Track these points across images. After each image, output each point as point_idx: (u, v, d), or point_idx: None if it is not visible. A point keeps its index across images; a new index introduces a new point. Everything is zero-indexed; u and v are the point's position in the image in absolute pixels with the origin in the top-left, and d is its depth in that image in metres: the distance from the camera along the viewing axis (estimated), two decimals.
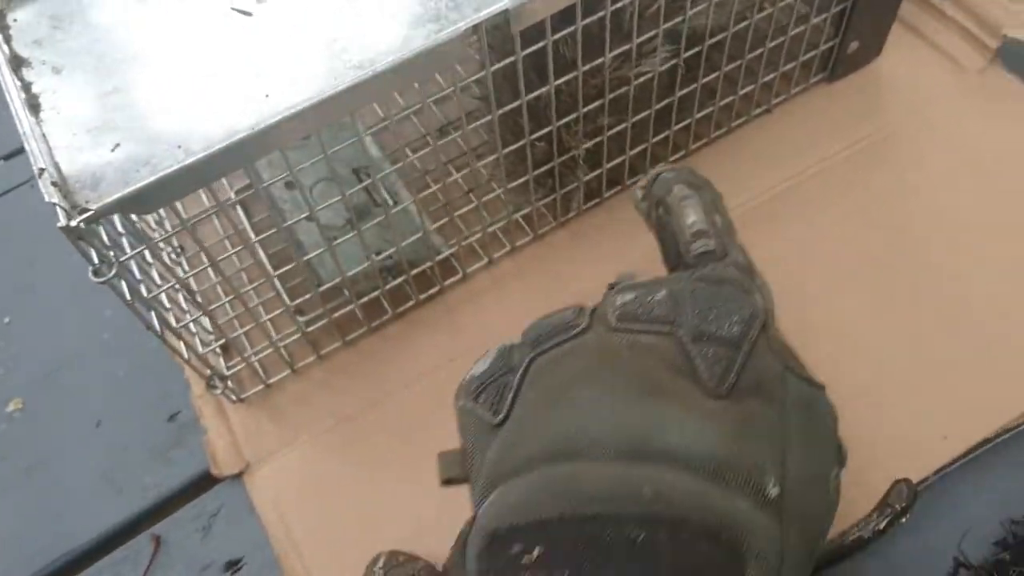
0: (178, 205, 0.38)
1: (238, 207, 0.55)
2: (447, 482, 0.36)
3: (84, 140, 0.35)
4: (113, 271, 0.34)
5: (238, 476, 0.47)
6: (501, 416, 0.33)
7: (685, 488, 0.27)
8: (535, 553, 0.26)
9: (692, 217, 0.38)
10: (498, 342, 0.49)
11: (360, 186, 0.50)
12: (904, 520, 0.37)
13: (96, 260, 0.35)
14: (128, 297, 0.37)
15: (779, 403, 0.31)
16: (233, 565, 0.44)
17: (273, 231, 0.48)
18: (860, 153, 0.54)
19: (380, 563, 0.40)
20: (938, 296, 0.47)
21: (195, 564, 0.45)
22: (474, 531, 0.29)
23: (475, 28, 0.36)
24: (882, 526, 0.37)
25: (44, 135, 0.36)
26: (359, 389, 0.49)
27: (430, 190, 0.52)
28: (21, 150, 0.53)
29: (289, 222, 0.47)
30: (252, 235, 0.52)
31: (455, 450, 0.36)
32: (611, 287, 0.36)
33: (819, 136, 0.55)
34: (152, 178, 0.33)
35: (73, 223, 0.32)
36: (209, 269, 0.52)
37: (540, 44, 0.39)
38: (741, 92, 0.52)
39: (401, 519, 0.44)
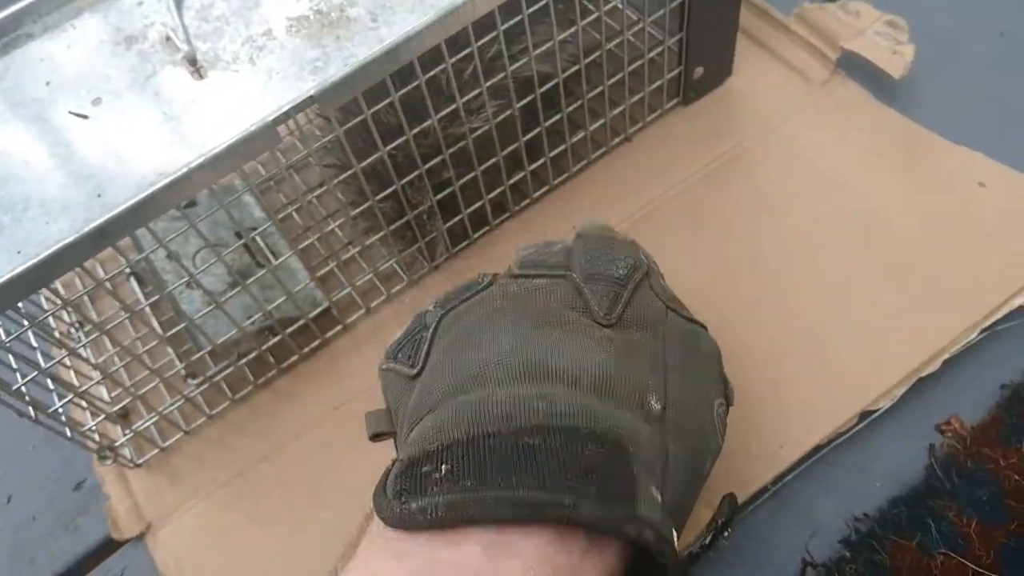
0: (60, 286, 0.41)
1: (132, 279, 0.58)
2: (375, 437, 0.40)
3: None
4: None
5: (140, 538, 0.49)
6: (418, 368, 0.37)
7: (575, 402, 0.31)
8: (443, 470, 0.30)
9: (586, 221, 0.43)
10: (378, 391, 0.52)
11: (237, 245, 0.53)
12: (727, 534, 0.40)
13: None
14: None
15: (660, 335, 0.36)
16: None
17: (154, 300, 0.51)
18: (716, 171, 0.57)
19: None
20: (777, 309, 0.50)
21: None
22: (395, 465, 0.32)
23: (286, 114, 0.39)
24: (707, 540, 0.40)
25: None
26: (250, 444, 0.51)
27: (308, 241, 0.55)
28: None
29: (168, 290, 0.50)
30: (144, 305, 0.55)
31: (380, 409, 0.40)
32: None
33: (678, 158, 0.57)
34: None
35: None
36: (107, 341, 0.55)
37: (359, 119, 0.42)
38: (591, 127, 0.54)
39: (292, 567, 0.47)
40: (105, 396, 0.53)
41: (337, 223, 0.57)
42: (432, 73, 0.42)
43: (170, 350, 0.54)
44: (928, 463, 0.45)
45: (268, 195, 0.60)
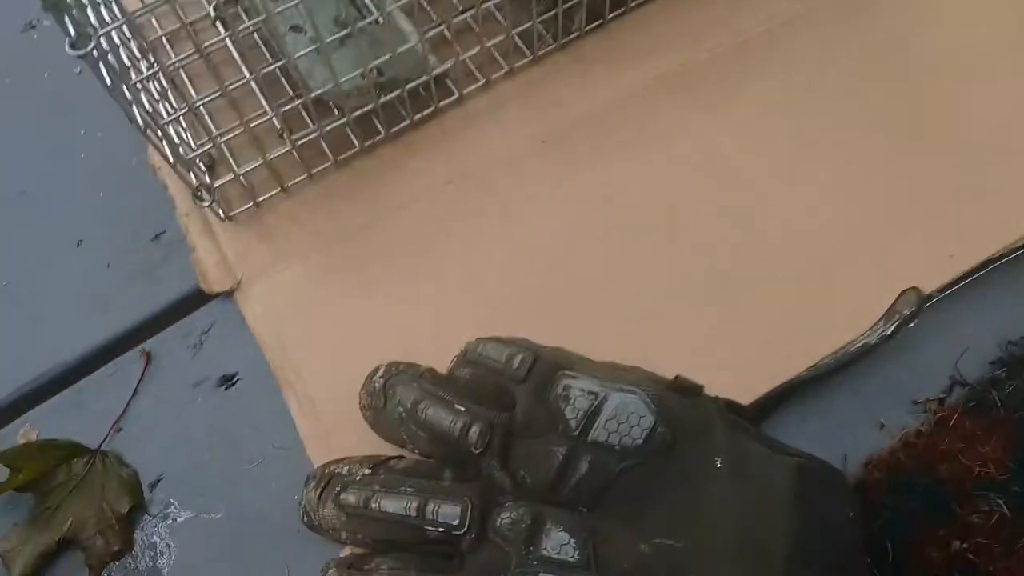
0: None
1: (218, 24, 0.52)
2: None
3: None
4: (92, 43, 0.32)
5: (229, 294, 0.45)
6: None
7: None
8: None
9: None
10: (496, 166, 0.47)
11: None
12: (911, 325, 0.37)
13: (72, 32, 0.32)
14: (109, 82, 0.35)
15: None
16: (228, 380, 0.44)
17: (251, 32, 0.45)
18: None
19: (380, 372, 0.40)
20: (941, 122, 0.46)
21: (188, 379, 0.44)
22: None
23: None
24: (890, 331, 0.37)
25: None
26: (352, 210, 0.47)
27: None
28: None
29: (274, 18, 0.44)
30: (233, 48, 0.50)
31: None
32: None
33: None
34: None
35: None
36: (188, 82, 0.50)
37: None
38: None
39: (395, 335, 0.43)
40: (192, 143, 0.48)
41: None
42: None
43: (264, 102, 0.48)
44: None
45: None
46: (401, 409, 0.37)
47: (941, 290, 0.42)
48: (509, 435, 0.35)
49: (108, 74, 0.35)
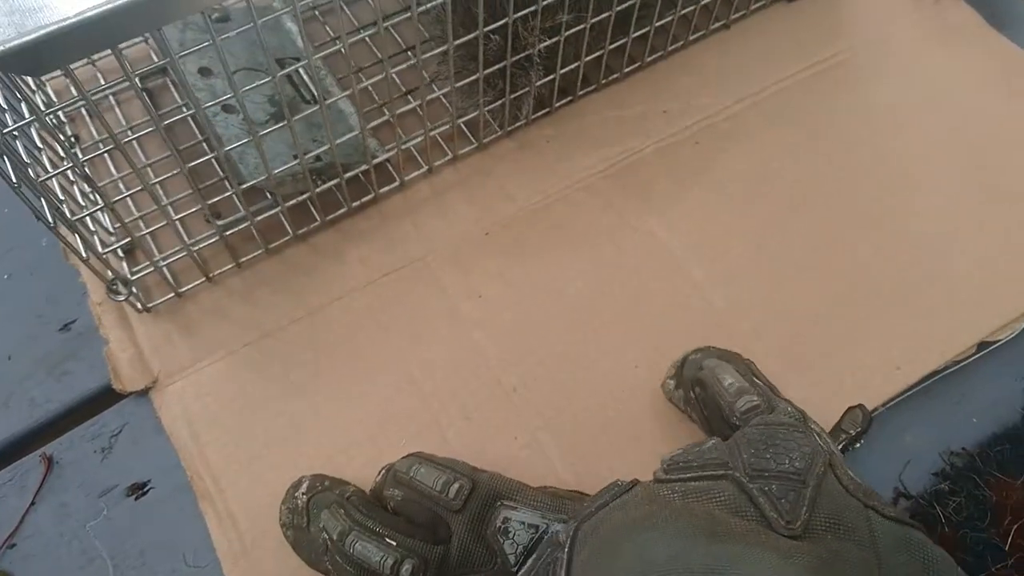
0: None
1: (143, 95, 0.49)
2: None
3: None
4: None
5: (144, 393, 0.42)
6: None
7: None
8: None
9: (729, 379, 0.36)
10: (438, 258, 0.46)
11: (284, 72, 0.45)
12: (859, 445, 0.37)
13: None
14: (14, 179, 0.32)
15: (870, 545, 0.27)
16: (139, 488, 0.40)
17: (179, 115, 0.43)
18: (818, 75, 0.52)
19: (303, 487, 0.37)
20: (890, 223, 0.46)
21: (94, 487, 0.40)
22: None
23: None
24: (839, 448, 0.36)
25: None
26: (283, 302, 0.44)
27: (362, 85, 0.48)
28: None
29: (212, 103, 0.41)
30: (160, 125, 0.47)
31: None
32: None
33: (777, 56, 0.53)
34: (44, 31, 0.28)
35: None
36: (108, 160, 0.47)
37: None
38: (702, 3, 0.49)
39: (325, 440, 0.41)
40: (110, 227, 0.44)
41: (398, 68, 0.49)
42: None
43: (190, 183, 0.45)
44: None
45: (314, 27, 0.52)
46: (326, 536, 0.34)
47: (884, 404, 0.41)
48: (443, 570, 0.32)
49: (12, 170, 0.32)
